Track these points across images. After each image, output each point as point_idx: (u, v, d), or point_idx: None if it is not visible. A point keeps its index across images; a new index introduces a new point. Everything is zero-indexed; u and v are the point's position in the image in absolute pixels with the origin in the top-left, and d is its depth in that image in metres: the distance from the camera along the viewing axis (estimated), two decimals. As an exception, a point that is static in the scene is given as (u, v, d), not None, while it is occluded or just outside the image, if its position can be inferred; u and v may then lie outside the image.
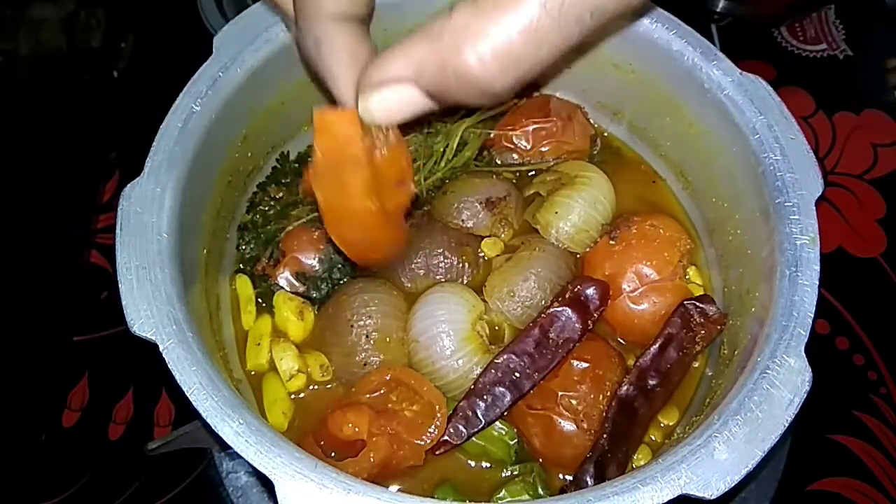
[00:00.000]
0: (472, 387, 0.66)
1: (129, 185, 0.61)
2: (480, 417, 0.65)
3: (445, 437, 0.65)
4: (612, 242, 0.72)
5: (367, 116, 0.47)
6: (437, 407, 0.65)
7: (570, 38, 0.41)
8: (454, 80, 0.42)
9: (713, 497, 0.51)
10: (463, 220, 0.75)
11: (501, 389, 0.65)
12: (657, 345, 0.67)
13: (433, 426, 0.64)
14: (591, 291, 0.68)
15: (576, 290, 0.68)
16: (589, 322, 0.67)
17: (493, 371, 0.66)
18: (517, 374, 0.65)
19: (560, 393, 0.65)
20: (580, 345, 0.67)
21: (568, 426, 0.65)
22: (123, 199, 0.61)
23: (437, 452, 0.65)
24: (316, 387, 0.70)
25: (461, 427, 0.65)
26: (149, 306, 0.56)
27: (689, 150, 0.75)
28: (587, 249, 0.74)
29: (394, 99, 0.45)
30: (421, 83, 0.44)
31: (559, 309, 0.67)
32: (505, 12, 0.40)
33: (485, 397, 0.65)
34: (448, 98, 0.44)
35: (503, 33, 0.40)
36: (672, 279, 0.70)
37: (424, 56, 0.43)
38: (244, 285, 0.74)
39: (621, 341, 0.73)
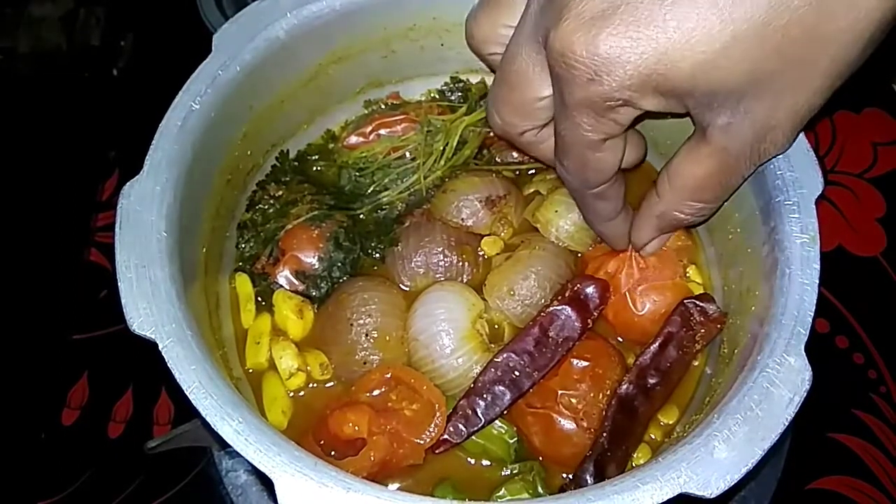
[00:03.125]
0: (472, 385, 0.66)
1: (128, 184, 0.61)
2: (480, 416, 0.65)
3: (445, 436, 0.64)
4: None
5: (647, 254, 0.69)
6: (437, 406, 0.65)
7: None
8: (680, 219, 0.61)
9: (713, 496, 0.50)
10: (463, 219, 0.75)
11: (501, 388, 0.65)
12: (657, 343, 0.67)
13: (433, 425, 0.64)
14: (590, 290, 0.68)
15: (576, 288, 0.68)
16: (589, 321, 0.67)
17: (492, 370, 0.66)
18: (517, 373, 0.65)
19: (560, 391, 0.65)
20: (580, 343, 0.67)
21: (568, 425, 0.65)
22: (123, 198, 0.60)
23: (436, 451, 0.65)
24: (315, 385, 0.70)
25: (461, 426, 0.65)
26: (148, 305, 0.56)
27: (689, 148, 0.75)
28: (589, 249, 0.74)
29: (655, 243, 0.67)
30: (662, 230, 0.64)
31: (559, 307, 0.67)
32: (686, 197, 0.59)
33: (484, 396, 0.65)
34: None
35: (691, 182, 0.57)
36: (672, 278, 0.70)
37: (659, 222, 0.62)
38: (244, 283, 0.74)
39: (620, 339, 0.72)
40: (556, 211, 0.73)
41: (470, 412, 0.65)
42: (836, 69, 0.49)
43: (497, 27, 0.58)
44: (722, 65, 0.47)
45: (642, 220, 0.64)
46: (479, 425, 0.65)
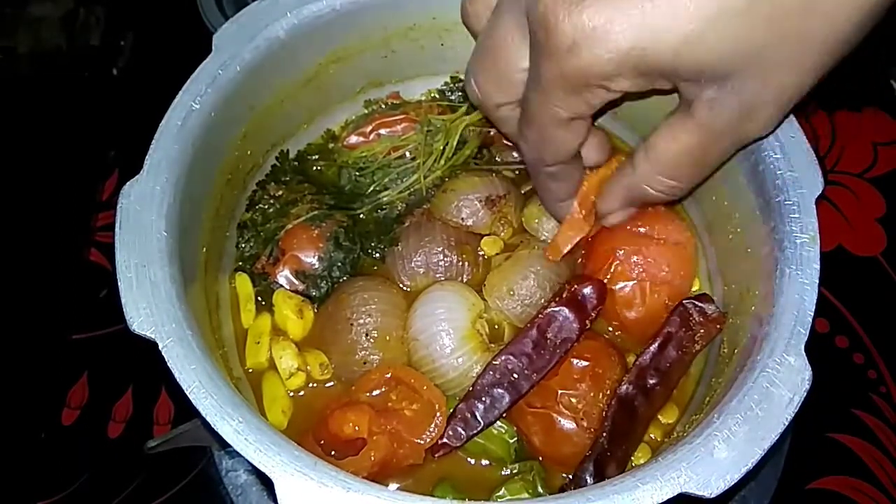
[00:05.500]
0: (471, 389, 0.66)
1: (128, 184, 0.61)
2: (479, 419, 0.65)
3: (445, 440, 0.64)
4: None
5: (608, 224, 0.67)
6: (437, 406, 0.65)
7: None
8: (650, 194, 0.59)
9: (713, 495, 0.50)
10: (463, 219, 0.75)
11: (500, 391, 0.65)
12: (656, 344, 0.67)
13: (433, 425, 0.64)
14: (588, 291, 0.68)
15: (573, 289, 0.68)
16: (587, 322, 0.67)
17: (490, 372, 0.66)
18: (515, 375, 0.65)
19: (560, 391, 0.65)
20: (580, 343, 0.67)
21: (568, 424, 0.65)
22: (123, 198, 0.60)
23: (436, 455, 0.65)
24: (315, 385, 0.70)
25: (460, 429, 0.65)
26: (148, 304, 0.56)
27: (689, 148, 0.75)
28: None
29: (619, 215, 0.65)
30: (630, 202, 0.63)
31: (556, 309, 0.67)
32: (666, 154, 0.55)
33: (483, 399, 0.65)
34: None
35: (668, 156, 0.55)
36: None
37: (628, 193, 0.61)
38: (244, 283, 0.74)
39: (618, 333, 0.72)
40: (540, 206, 0.73)
41: (469, 415, 0.65)
42: (831, 46, 0.46)
43: (491, 4, 0.56)
44: (709, 39, 0.44)
45: (612, 188, 0.62)
46: (479, 429, 0.65)
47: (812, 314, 0.57)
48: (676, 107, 0.53)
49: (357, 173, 0.80)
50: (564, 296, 0.68)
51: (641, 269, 0.69)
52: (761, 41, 0.45)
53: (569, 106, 0.50)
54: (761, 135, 0.53)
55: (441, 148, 0.79)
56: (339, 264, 0.74)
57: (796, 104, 0.51)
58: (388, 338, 0.69)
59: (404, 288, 0.74)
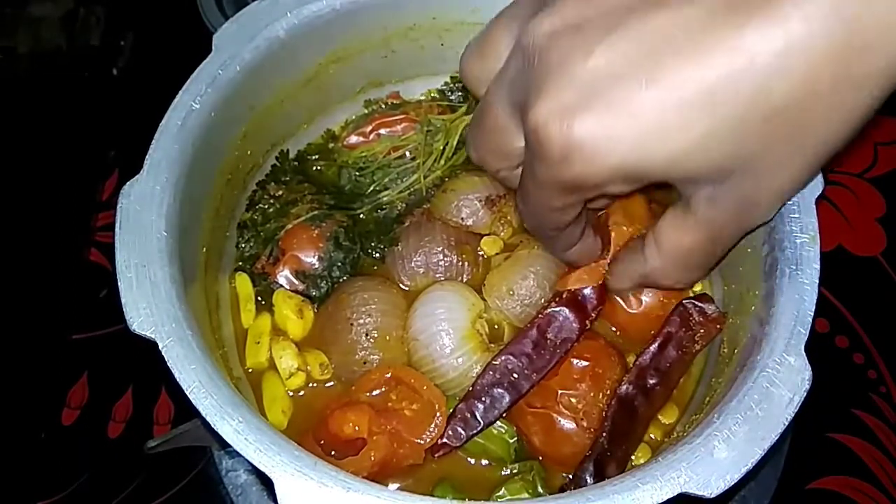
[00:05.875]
0: (470, 389, 0.66)
1: (128, 183, 0.61)
2: (479, 419, 0.65)
3: (444, 440, 0.64)
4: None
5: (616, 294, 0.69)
6: (437, 406, 0.65)
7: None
8: (663, 284, 0.61)
9: (713, 495, 0.50)
10: (462, 218, 0.75)
11: (500, 391, 0.65)
12: (656, 344, 0.67)
13: (433, 425, 0.64)
14: (588, 291, 0.68)
15: (573, 290, 0.68)
16: (587, 322, 0.67)
17: (490, 372, 0.66)
18: (515, 375, 0.65)
19: (560, 391, 0.65)
20: (580, 343, 0.67)
21: (567, 424, 0.65)
22: (123, 198, 0.60)
23: (436, 455, 0.65)
24: (315, 385, 0.70)
25: (460, 429, 0.65)
26: (148, 304, 0.56)
27: (689, 148, 0.75)
28: None
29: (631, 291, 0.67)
30: (642, 286, 0.65)
31: (557, 309, 0.67)
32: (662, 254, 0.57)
33: (483, 399, 0.65)
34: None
35: (678, 253, 0.56)
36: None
37: (640, 280, 0.62)
38: (244, 283, 0.74)
39: (618, 334, 0.72)
40: None
41: (468, 415, 0.65)
42: (823, 149, 0.46)
43: (487, 72, 0.57)
44: (699, 152, 0.45)
45: (625, 275, 0.63)
46: (479, 428, 0.65)
47: (812, 314, 0.57)
48: (678, 199, 0.54)
49: (357, 173, 0.80)
50: (564, 296, 0.68)
51: None
52: (755, 148, 0.45)
53: (563, 200, 0.52)
54: (764, 221, 0.54)
55: (441, 148, 0.79)
56: (339, 264, 0.74)
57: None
58: (388, 338, 0.69)
59: (404, 288, 0.74)
